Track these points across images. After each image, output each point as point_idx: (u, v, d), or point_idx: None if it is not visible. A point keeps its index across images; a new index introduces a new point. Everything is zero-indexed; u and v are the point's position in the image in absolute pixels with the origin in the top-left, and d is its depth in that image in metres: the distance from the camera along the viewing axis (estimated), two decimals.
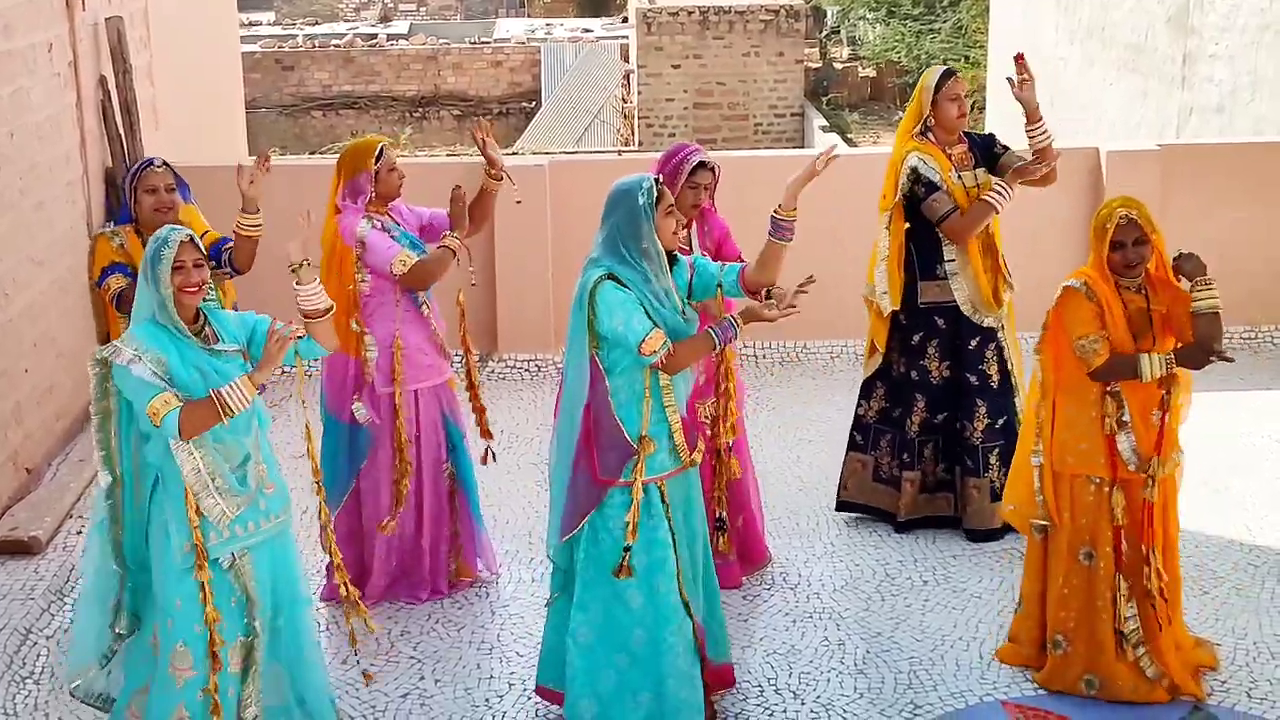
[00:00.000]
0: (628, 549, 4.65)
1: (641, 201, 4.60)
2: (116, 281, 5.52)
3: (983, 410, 6.29)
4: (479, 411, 6.07)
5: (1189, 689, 5.08)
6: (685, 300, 4.78)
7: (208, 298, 4.45)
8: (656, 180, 4.67)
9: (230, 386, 4.22)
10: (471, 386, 6.05)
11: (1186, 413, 5.04)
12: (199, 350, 4.33)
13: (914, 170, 6.15)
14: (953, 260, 6.18)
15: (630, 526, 4.65)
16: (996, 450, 6.30)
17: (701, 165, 5.66)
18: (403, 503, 5.75)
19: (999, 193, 6.05)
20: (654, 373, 4.67)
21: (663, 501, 4.74)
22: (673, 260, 4.76)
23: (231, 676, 4.45)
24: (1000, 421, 6.30)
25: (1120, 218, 4.90)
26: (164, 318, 4.31)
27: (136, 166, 5.67)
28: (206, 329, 4.40)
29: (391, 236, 5.70)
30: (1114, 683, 5.07)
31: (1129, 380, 4.92)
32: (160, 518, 4.39)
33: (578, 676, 4.80)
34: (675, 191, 5.65)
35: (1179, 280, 4.96)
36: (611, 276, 4.62)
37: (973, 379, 6.28)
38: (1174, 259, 4.95)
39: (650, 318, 4.61)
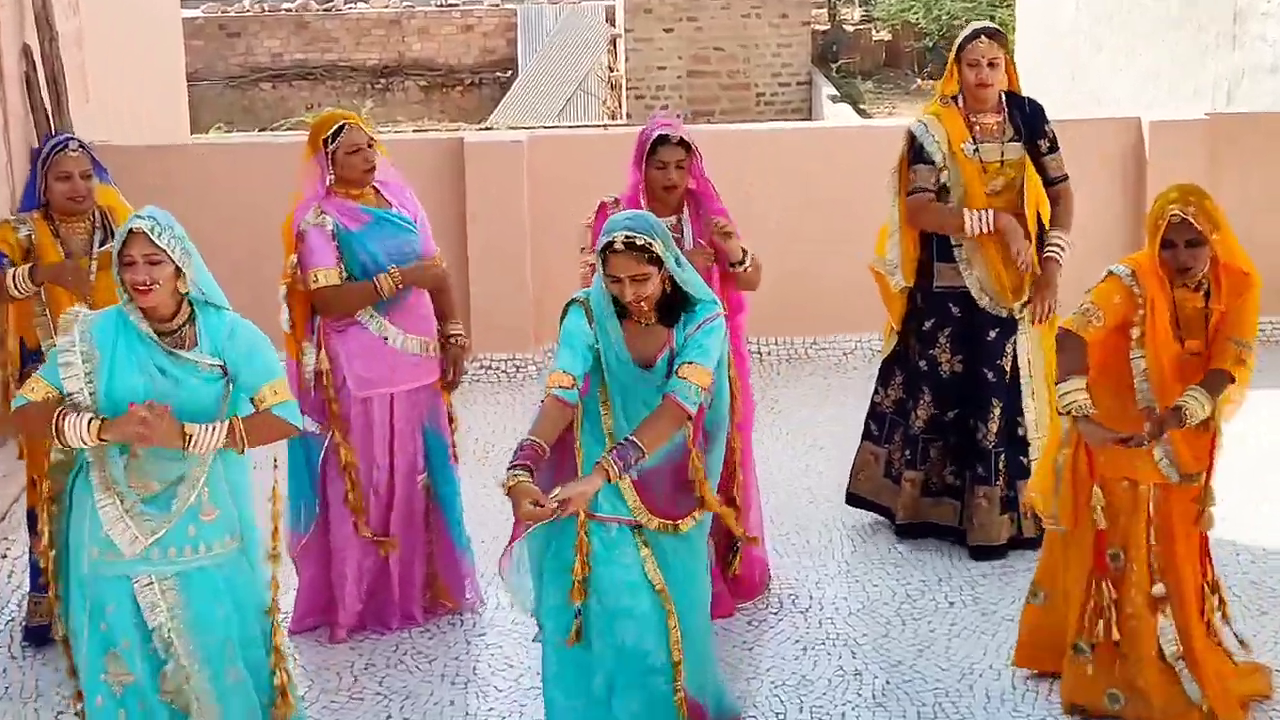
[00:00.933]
0: (578, 614, 4.63)
1: (597, 253, 4.59)
2: None
3: (998, 411, 6.30)
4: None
5: (1235, 718, 5.07)
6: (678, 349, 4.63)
7: (199, 296, 4.39)
8: (611, 245, 4.51)
9: (76, 423, 4.20)
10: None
11: (1233, 411, 5.04)
12: (158, 350, 4.32)
13: (909, 134, 6.23)
14: (959, 246, 6.22)
15: (574, 586, 4.61)
16: (1003, 456, 6.32)
17: (664, 140, 5.61)
18: (361, 527, 5.77)
19: (977, 219, 6.06)
20: (597, 424, 4.66)
21: (639, 540, 4.68)
22: (689, 305, 4.65)
23: (153, 700, 4.42)
24: (1006, 423, 6.33)
25: (1172, 215, 4.85)
26: (128, 310, 4.34)
27: (47, 148, 5.54)
28: (187, 328, 4.38)
29: (348, 232, 5.63)
30: (1141, 697, 5.06)
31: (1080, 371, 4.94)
32: (79, 509, 4.38)
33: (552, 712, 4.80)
34: (644, 175, 5.64)
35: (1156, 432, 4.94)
36: (586, 302, 4.64)
37: (990, 375, 6.29)
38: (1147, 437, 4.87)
39: (588, 353, 4.58)
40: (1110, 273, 5.01)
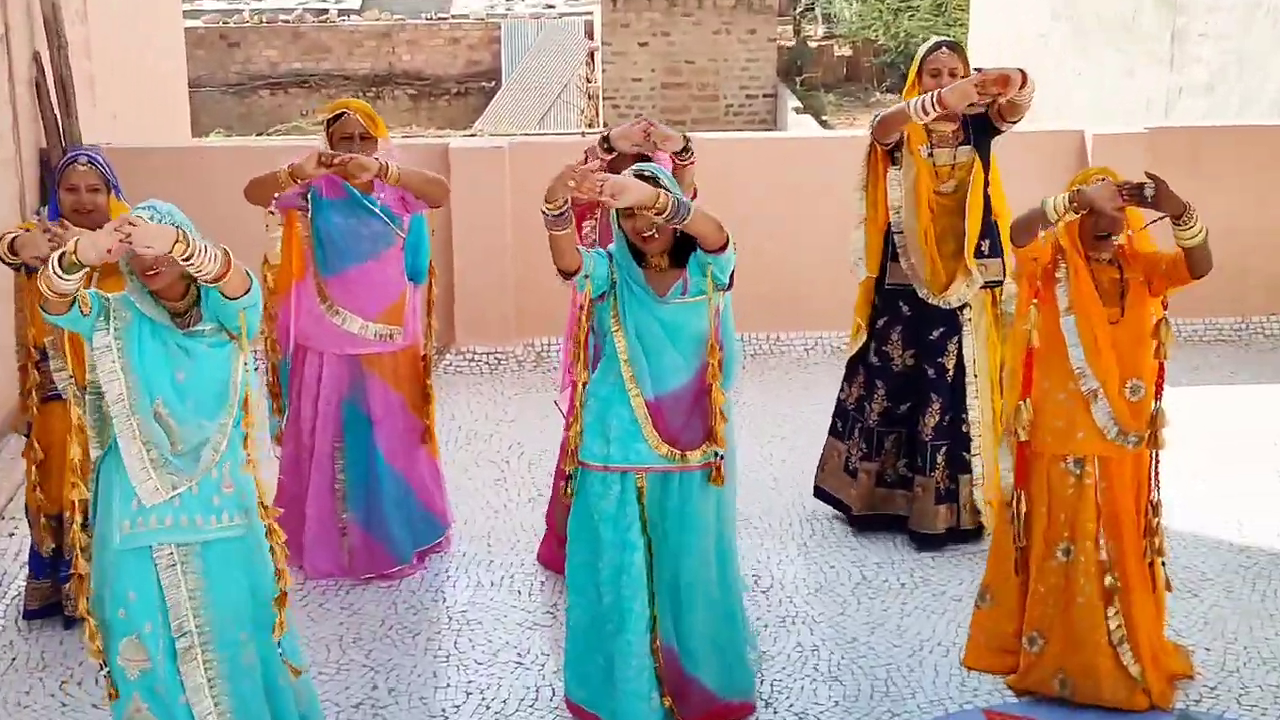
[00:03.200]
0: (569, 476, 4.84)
1: None
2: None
3: (936, 406, 6.28)
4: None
5: (1164, 698, 5.10)
6: (689, 288, 4.72)
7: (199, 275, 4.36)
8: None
9: (47, 269, 4.03)
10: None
11: (1170, 341, 5.07)
12: (169, 329, 4.30)
13: (876, 116, 6.20)
14: (900, 232, 6.19)
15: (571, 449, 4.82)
16: (944, 449, 6.30)
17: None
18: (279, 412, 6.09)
19: (924, 106, 5.84)
20: (614, 353, 4.73)
21: (639, 501, 4.75)
22: (689, 249, 4.72)
23: (173, 682, 4.37)
24: (948, 418, 6.30)
25: (1096, 182, 4.92)
26: (136, 296, 4.31)
27: (63, 161, 5.51)
28: (195, 310, 4.35)
29: (320, 196, 5.85)
30: (1091, 681, 5.07)
31: (1033, 232, 4.93)
32: (106, 489, 4.33)
33: (570, 661, 4.98)
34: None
35: (1153, 215, 4.92)
36: (609, 254, 4.76)
37: (930, 371, 6.28)
38: (1147, 190, 4.82)
39: (605, 272, 4.70)
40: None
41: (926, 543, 6.32)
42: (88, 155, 5.50)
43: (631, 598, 4.74)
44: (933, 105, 5.86)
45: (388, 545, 6.05)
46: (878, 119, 6.14)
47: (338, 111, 5.85)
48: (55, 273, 4.05)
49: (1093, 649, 5.07)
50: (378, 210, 5.87)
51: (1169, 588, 5.24)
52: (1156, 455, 5.13)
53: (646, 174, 4.60)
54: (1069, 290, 4.98)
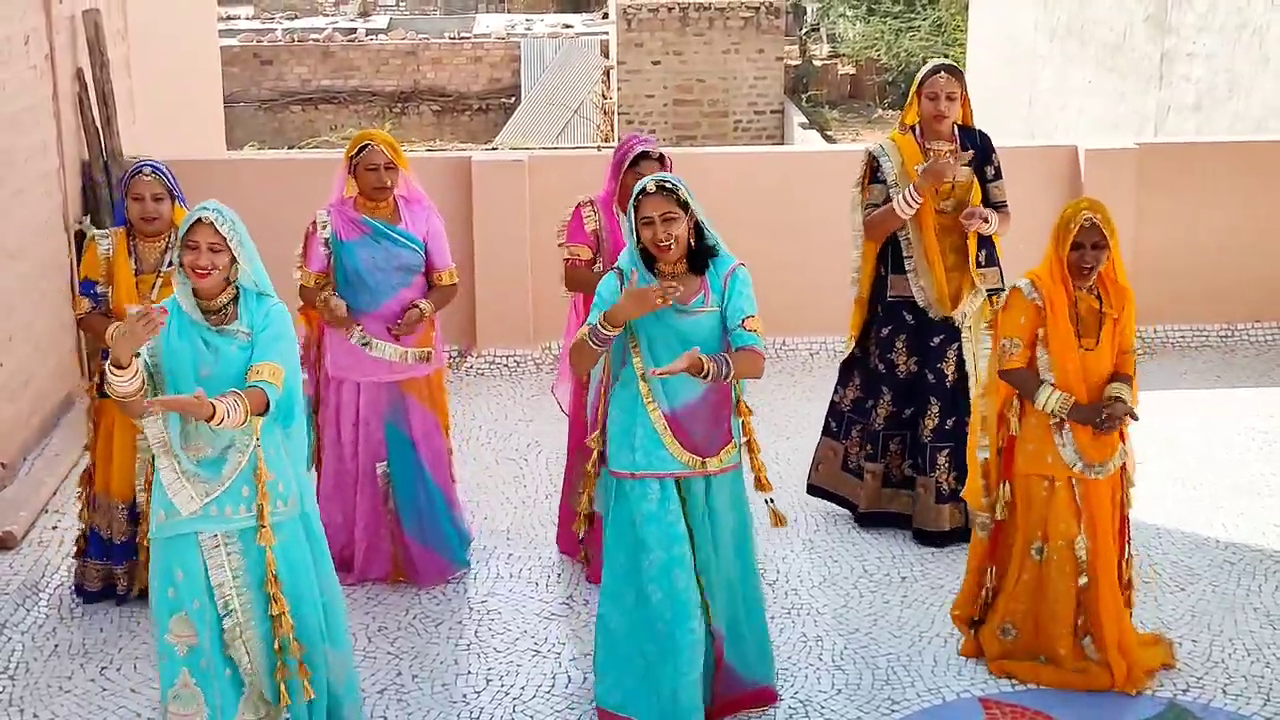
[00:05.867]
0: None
1: (630, 204, 4.69)
2: (81, 305, 5.48)
3: (935, 409, 6.26)
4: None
5: (1131, 683, 5.09)
6: (720, 298, 4.70)
7: (239, 281, 4.38)
8: (644, 190, 4.63)
9: (111, 374, 4.17)
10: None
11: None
12: (201, 326, 4.34)
13: (868, 154, 6.21)
14: (910, 257, 6.19)
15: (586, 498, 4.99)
16: (946, 451, 6.27)
17: (645, 155, 5.65)
18: (316, 471, 5.93)
19: (905, 200, 6.00)
20: (630, 369, 4.71)
21: (680, 497, 4.75)
22: (710, 255, 4.72)
23: (219, 658, 4.39)
24: (951, 422, 6.27)
25: (1084, 220, 4.95)
26: (182, 297, 4.36)
27: (129, 171, 5.52)
28: (230, 307, 4.38)
29: (340, 241, 5.73)
30: (1063, 665, 5.14)
31: (1032, 392, 5.04)
32: (156, 479, 4.36)
33: (606, 665, 4.90)
34: (621, 184, 5.68)
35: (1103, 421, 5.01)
36: (620, 268, 4.72)
37: (930, 377, 6.27)
38: (1105, 408, 4.97)
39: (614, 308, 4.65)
40: (1014, 288, 5.10)
41: (928, 539, 6.31)
42: (152, 165, 5.51)
43: (687, 588, 4.71)
44: (913, 196, 5.99)
45: (445, 553, 6.03)
46: (868, 225, 6.17)
47: (362, 144, 5.71)
48: (113, 375, 4.16)
49: (1060, 637, 5.14)
50: (404, 239, 5.77)
51: (1132, 585, 5.28)
52: (1126, 516, 5.22)
53: (668, 185, 4.61)
54: (1047, 326, 5.02)
